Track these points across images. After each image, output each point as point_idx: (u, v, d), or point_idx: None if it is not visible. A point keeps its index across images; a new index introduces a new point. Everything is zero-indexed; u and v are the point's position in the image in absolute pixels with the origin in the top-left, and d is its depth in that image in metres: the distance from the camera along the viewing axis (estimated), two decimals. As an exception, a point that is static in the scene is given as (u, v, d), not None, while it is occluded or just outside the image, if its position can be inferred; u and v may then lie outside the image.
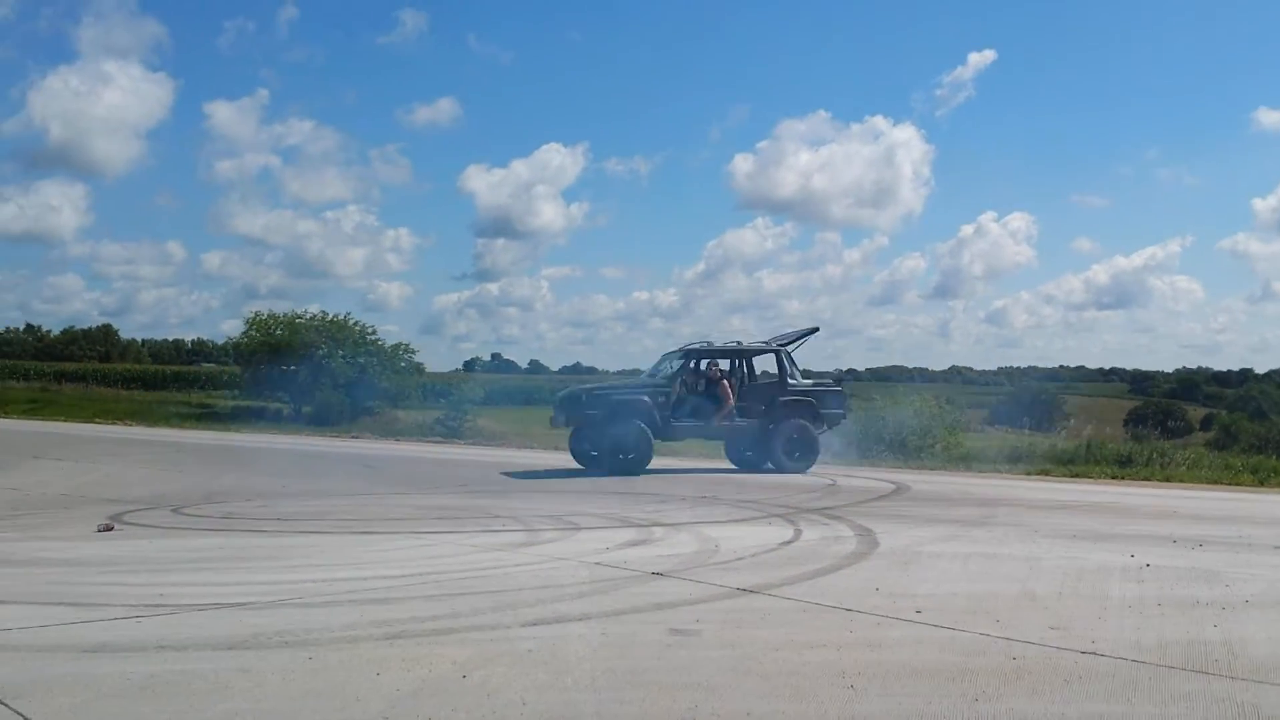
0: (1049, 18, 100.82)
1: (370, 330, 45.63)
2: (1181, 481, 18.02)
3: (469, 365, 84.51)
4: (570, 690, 5.51)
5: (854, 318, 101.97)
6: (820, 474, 18.63)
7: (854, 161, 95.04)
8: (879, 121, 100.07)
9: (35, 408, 49.68)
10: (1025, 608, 7.56)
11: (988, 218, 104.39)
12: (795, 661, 6.09)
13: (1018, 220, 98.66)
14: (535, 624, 6.98)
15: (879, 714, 5.13)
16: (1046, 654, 6.24)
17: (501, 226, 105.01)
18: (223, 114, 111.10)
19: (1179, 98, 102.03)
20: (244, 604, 7.62)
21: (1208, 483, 17.62)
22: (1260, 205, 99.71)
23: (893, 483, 17.43)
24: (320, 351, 43.85)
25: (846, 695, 5.42)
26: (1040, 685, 5.64)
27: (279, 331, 45.14)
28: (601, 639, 6.60)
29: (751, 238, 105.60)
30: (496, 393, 53.21)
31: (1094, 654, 6.22)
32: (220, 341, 75.92)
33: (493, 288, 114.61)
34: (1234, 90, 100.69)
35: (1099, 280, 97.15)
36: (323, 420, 38.13)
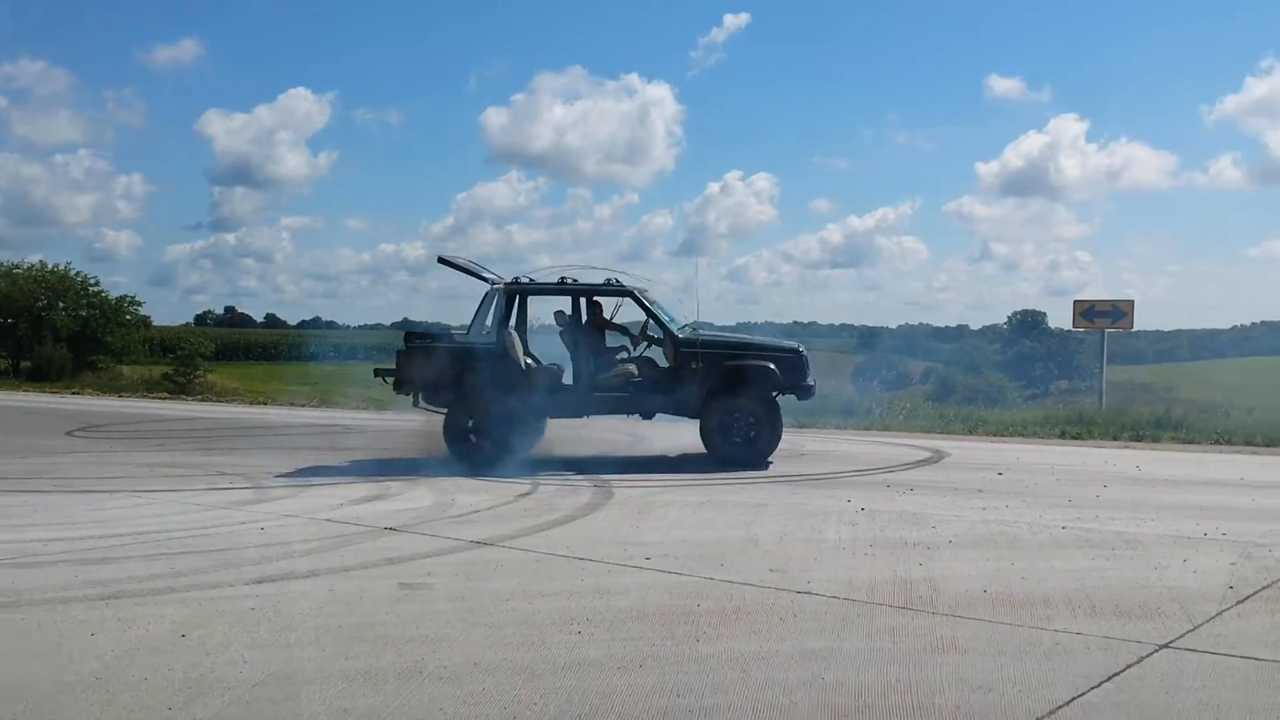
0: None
1: (93, 281, 43.08)
2: (900, 430, 19.07)
3: (201, 319, 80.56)
4: (293, 647, 5.40)
5: (602, 273, 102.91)
6: (570, 424, 18.65)
7: (608, 118, 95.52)
8: (634, 79, 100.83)
9: None
10: (748, 552, 7.85)
11: (733, 177, 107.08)
12: (525, 610, 6.15)
13: (762, 180, 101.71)
14: (259, 582, 6.81)
15: (605, 657, 5.24)
16: (765, 595, 6.52)
17: (241, 174, 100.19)
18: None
19: (918, 63, 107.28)
20: (-62, 569, 7.11)
21: (923, 431, 18.70)
22: (984, 170, 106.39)
23: (632, 435, 17.73)
24: (40, 304, 41.25)
25: (573, 641, 5.51)
26: (758, 624, 5.89)
27: (-6, 282, 42.06)
28: (328, 595, 6.48)
29: (503, 191, 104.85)
30: (230, 347, 51.32)
31: (809, 593, 6.53)
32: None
33: (229, 238, 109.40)
34: (969, 56, 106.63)
35: (833, 240, 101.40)
36: (42, 376, 35.97)
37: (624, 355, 13.98)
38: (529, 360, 13.71)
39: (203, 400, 27.95)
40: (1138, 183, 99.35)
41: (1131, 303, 23.09)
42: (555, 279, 14.03)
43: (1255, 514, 9.48)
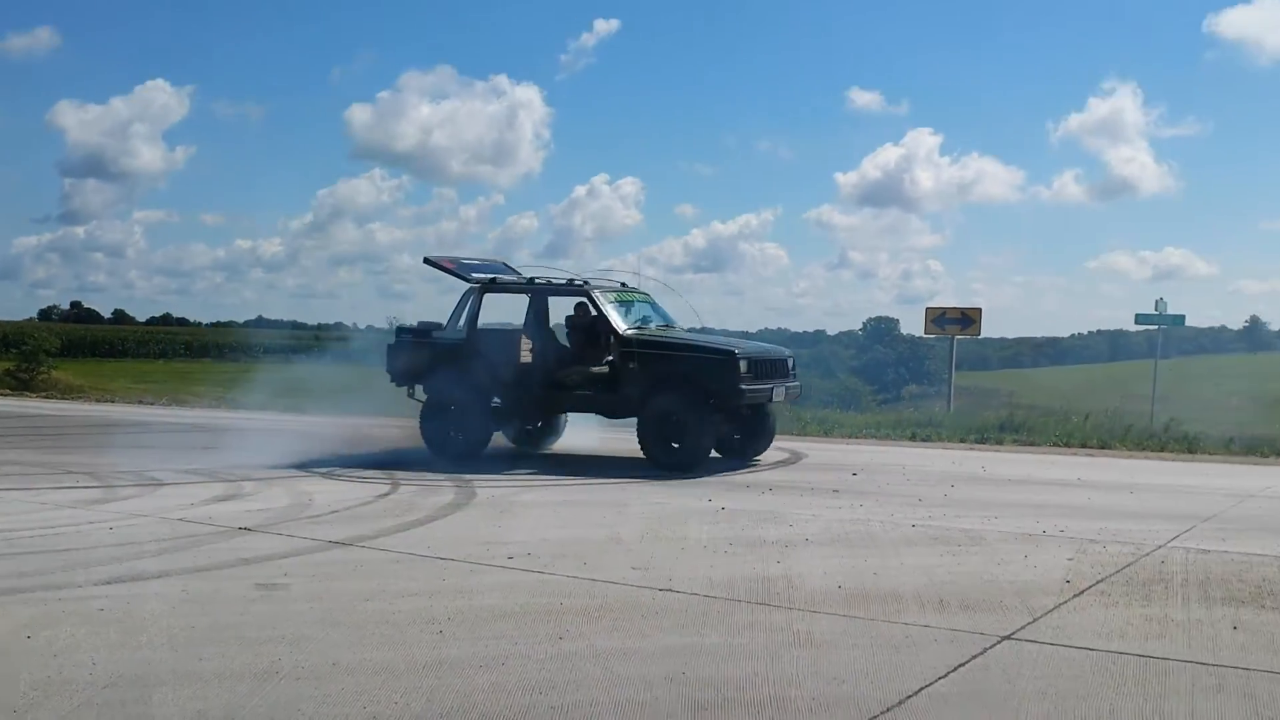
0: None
1: (-70, 276, 41.13)
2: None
3: (46, 314, 77.57)
4: (145, 649, 5.28)
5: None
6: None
7: (475, 118, 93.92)
8: (502, 81, 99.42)
9: None
10: (611, 550, 7.93)
11: (600, 180, 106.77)
12: (385, 610, 6.11)
13: (628, 185, 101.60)
14: (109, 582, 6.64)
15: (467, 657, 5.24)
16: (627, 592, 6.60)
17: (94, 166, 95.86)
18: None
19: (783, 73, 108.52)
20: None
21: (781, 433, 18.98)
22: (843, 179, 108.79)
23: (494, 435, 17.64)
24: None
25: (435, 640, 5.50)
26: (621, 622, 5.96)
27: None
28: (181, 596, 6.35)
29: (366, 189, 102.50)
30: (76, 344, 49.50)
31: (670, 591, 6.63)
32: None
33: (79, 231, 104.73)
34: (831, 68, 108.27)
35: (697, 244, 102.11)
36: None
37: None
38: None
39: (47, 397, 26.90)
40: (987, 196, 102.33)
41: (979, 311, 23.81)
42: (618, 284, 14.32)
43: (1091, 512, 9.92)
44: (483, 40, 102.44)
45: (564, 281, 14.15)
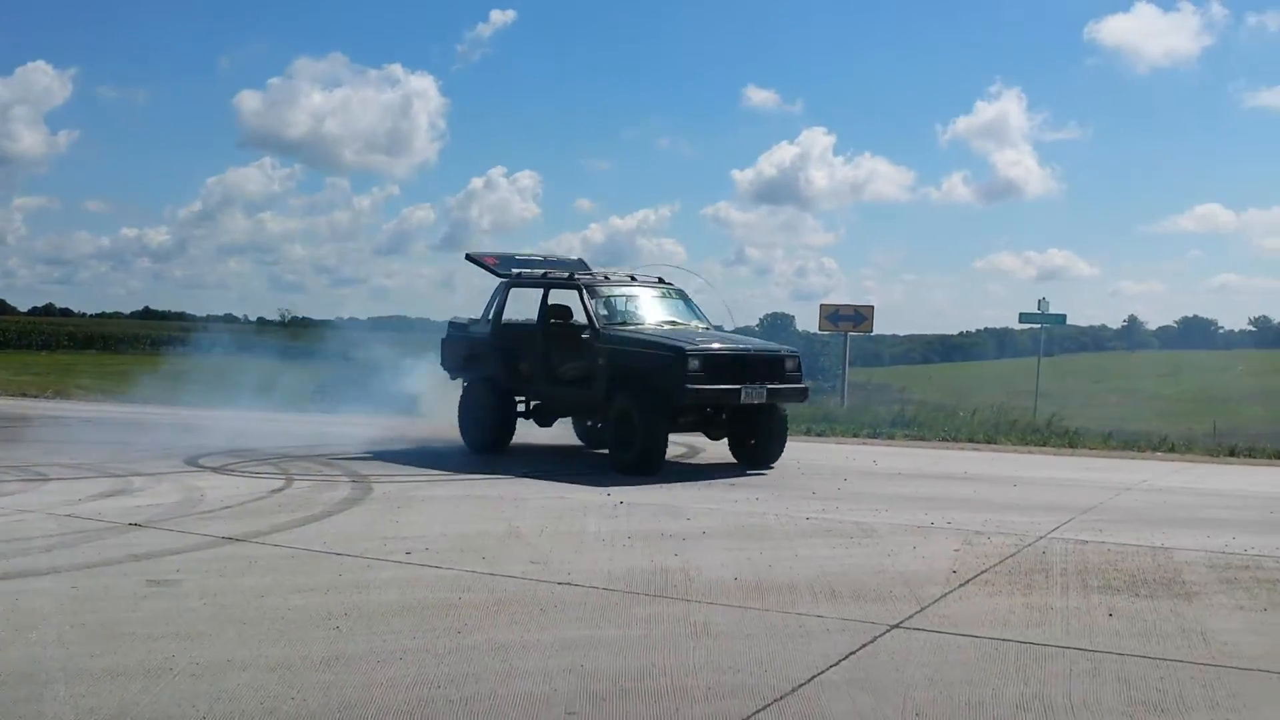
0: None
1: None
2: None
3: (-79, 304, 74.79)
4: (34, 646, 5.19)
5: (359, 265, 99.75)
6: (320, 421, 18.18)
7: (369, 107, 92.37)
8: (396, 69, 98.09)
9: None
10: (510, 545, 7.96)
11: (498, 173, 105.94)
12: (281, 607, 6.05)
13: (526, 178, 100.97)
14: (-5, 580, 6.48)
15: (364, 651, 5.23)
16: (526, 586, 6.63)
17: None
18: None
19: (680, 69, 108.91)
20: None
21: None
22: (739, 176, 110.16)
23: (390, 428, 17.49)
24: None
25: (332, 636, 5.48)
26: (519, 615, 6.00)
27: None
28: (71, 593, 6.23)
29: (256, 177, 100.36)
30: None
31: (569, 584, 6.69)
32: None
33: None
34: (728, 65, 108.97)
35: (596, 239, 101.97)
36: None
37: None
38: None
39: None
40: (879, 195, 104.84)
41: (872, 308, 24.39)
42: (654, 279, 14.51)
43: (976, 505, 10.22)
44: (376, 28, 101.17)
45: (565, 276, 14.02)
